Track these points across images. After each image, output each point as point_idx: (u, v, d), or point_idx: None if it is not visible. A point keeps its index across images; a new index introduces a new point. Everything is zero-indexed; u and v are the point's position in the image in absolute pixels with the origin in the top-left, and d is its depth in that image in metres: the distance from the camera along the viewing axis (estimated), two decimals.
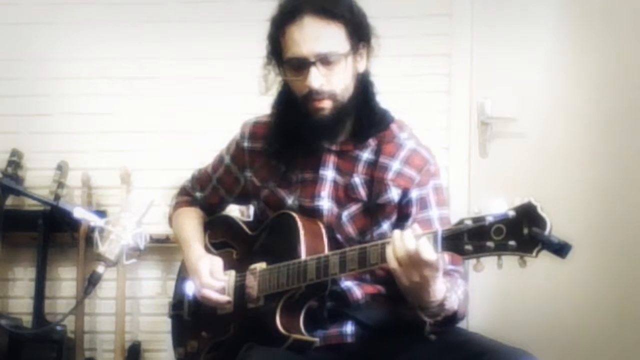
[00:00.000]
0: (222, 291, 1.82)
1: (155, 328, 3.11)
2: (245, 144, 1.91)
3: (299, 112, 1.73)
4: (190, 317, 1.96)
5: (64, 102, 3.20)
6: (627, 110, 2.90)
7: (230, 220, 2.00)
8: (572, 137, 2.95)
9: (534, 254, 1.32)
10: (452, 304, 1.60)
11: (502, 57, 3.00)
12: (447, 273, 1.64)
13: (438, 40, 3.08)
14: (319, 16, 1.69)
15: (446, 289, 1.57)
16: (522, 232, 1.33)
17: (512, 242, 1.34)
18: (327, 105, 1.71)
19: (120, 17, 3.17)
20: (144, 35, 3.16)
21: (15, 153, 3.07)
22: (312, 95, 1.70)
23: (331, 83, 1.70)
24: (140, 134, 3.18)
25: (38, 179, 3.11)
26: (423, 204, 1.75)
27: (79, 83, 3.19)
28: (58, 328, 2.95)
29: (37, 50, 3.20)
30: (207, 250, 1.94)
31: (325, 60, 1.68)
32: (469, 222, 1.40)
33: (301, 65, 1.69)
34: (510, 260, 1.38)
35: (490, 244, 1.36)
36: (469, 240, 1.39)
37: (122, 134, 3.18)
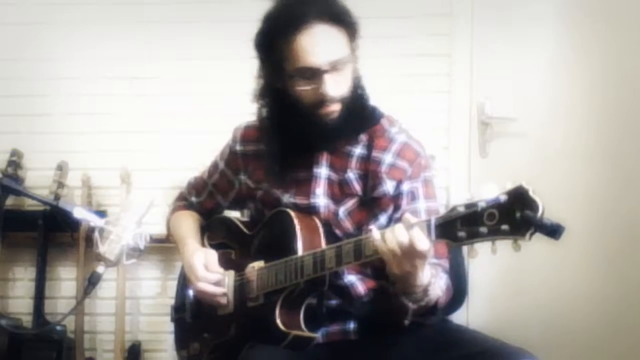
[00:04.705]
0: (218, 284, 1.83)
1: (155, 328, 3.11)
2: (238, 148, 1.93)
3: (302, 118, 1.73)
4: (192, 319, 1.97)
5: (64, 102, 3.20)
6: (627, 110, 2.90)
7: (227, 221, 2.01)
8: (572, 137, 2.95)
9: (527, 237, 1.32)
10: (436, 290, 1.61)
11: (502, 57, 3.00)
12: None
13: (438, 40, 3.07)
14: (326, 23, 1.69)
15: (431, 275, 1.58)
16: (514, 216, 1.33)
17: (505, 226, 1.34)
18: (336, 108, 1.72)
19: (120, 17, 3.17)
20: (144, 35, 3.16)
21: (15, 153, 3.07)
22: (324, 102, 1.70)
23: (342, 88, 1.72)
24: (140, 134, 3.18)
25: (38, 179, 3.11)
26: (412, 196, 1.77)
27: (79, 83, 3.18)
28: (58, 328, 2.95)
29: (37, 50, 3.20)
30: None
31: (335, 67, 1.69)
32: (461, 209, 1.41)
33: (313, 74, 1.69)
34: (508, 258, 1.38)
35: (483, 229, 1.37)
36: (461, 226, 1.40)
37: (122, 134, 3.18)
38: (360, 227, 1.76)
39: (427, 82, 3.08)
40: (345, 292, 1.75)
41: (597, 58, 2.92)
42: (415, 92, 3.06)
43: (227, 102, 3.09)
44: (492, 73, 3.03)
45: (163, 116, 3.17)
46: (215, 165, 2.02)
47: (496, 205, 1.36)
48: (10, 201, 3.06)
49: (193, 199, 2.06)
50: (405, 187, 1.76)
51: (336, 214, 1.77)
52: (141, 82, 3.17)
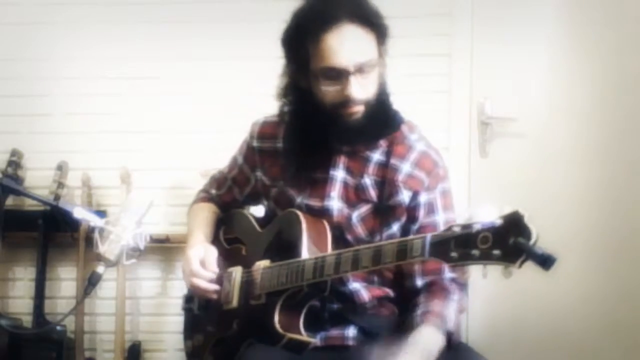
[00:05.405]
0: (212, 281, 1.83)
1: (155, 328, 3.12)
2: (255, 144, 1.92)
3: (324, 118, 1.72)
4: (200, 312, 1.98)
5: (64, 102, 3.19)
6: (627, 110, 2.89)
7: (242, 217, 2.02)
8: (572, 137, 2.95)
9: (517, 264, 1.31)
10: (440, 339, 1.61)
11: (502, 57, 3.00)
12: (442, 286, 1.67)
13: (438, 40, 3.07)
14: (355, 24, 1.67)
15: (428, 334, 1.59)
16: (507, 242, 1.32)
17: (496, 252, 1.33)
18: (359, 109, 1.70)
19: (120, 17, 3.16)
20: (144, 35, 3.16)
21: (15, 153, 3.07)
22: (347, 104, 1.69)
23: (367, 90, 1.70)
24: (140, 134, 3.18)
25: (38, 179, 3.10)
26: (430, 208, 1.76)
27: (79, 83, 3.18)
28: (58, 328, 2.96)
29: (37, 50, 3.19)
30: (220, 245, 1.95)
31: (361, 69, 1.67)
32: (457, 229, 1.39)
33: (338, 75, 1.67)
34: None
35: (475, 252, 1.35)
36: (455, 247, 1.39)
37: (122, 134, 3.18)
38: (373, 233, 1.75)
39: (427, 82, 3.08)
40: (348, 298, 1.75)
41: (597, 58, 2.92)
42: (415, 92, 3.05)
43: (227, 102, 3.09)
44: (492, 73, 3.03)
45: (163, 116, 3.17)
46: (234, 160, 2.02)
47: (491, 229, 1.34)
48: (10, 201, 3.06)
49: (213, 191, 2.07)
50: (423, 198, 1.75)
51: (349, 218, 1.76)
52: (141, 82, 3.17)
